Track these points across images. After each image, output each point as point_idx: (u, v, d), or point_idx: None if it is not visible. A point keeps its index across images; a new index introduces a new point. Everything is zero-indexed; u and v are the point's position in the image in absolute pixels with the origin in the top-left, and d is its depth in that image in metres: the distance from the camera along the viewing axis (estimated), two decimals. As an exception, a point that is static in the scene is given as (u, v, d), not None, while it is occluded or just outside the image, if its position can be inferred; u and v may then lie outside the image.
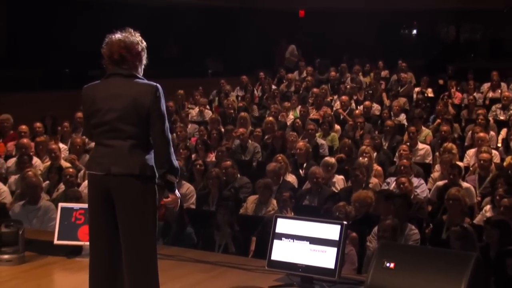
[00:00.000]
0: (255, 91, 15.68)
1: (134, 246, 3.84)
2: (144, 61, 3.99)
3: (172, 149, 3.91)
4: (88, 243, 5.15)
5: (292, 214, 6.73)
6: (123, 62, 3.87)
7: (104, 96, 3.86)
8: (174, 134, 10.59)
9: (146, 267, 3.87)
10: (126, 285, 3.88)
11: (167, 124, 3.88)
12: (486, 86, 14.22)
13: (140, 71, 3.97)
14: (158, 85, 3.87)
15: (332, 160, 8.45)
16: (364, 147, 8.92)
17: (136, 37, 3.93)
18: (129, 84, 3.85)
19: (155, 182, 3.92)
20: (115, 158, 3.82)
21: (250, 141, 10.29)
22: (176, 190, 4.09)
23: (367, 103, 12.74)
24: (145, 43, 3.98)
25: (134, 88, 3.83)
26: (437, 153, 9.45)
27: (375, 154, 9.27)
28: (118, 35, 3.90)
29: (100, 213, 3.92)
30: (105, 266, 3.94)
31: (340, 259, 4.35)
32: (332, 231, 4.40)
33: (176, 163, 3.95)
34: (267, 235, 4.74)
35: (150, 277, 3.88)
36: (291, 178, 8.46)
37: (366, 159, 8.31)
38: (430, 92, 14.67)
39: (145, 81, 3.91)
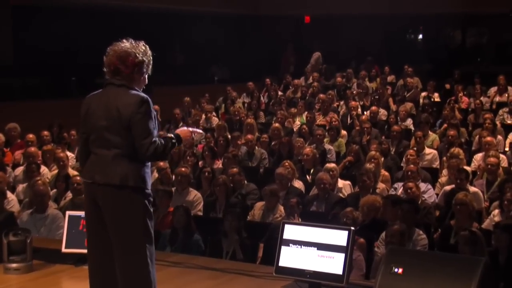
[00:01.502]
0: (261, 98, 15.69)
1: (121, 258, 3.85)
2: (147, 72, 3.98)
3: (159, 153, 3.84)
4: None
5: (300, 220, 6.72)
6: (117, 74, 3.89)
7: (96, 105, 3.91)
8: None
9: (134, 282, 3.84)
10: None
11: (150, 132, 3.80)
12: (493, 90, 14.19)
13: (139, 81, 3.94)
14: (145, 96, 3.85)
15: (332, 165, 8.45)
16: (373, 152, 8.90)
17: (136, 49, 3.90)
18: (118, 94, 3.86)
19: (142, 193, 3.86)
20: (99, 167, 3.86)
21: (257, 147, 10.29)
22: (183, 133, 4.08)
23: (373, 108, 12.73)
24: (149, 54, 3.96)
25: (121, 99, 3.83)
26: (444, 158, 9.42)
27: (382, 159, 9.26)
28: (121, 45, 3.90)
29: (94, 220, 3.94)
30: (103, 273, 3.95)
31: (348, 265, 4.34)
32: (339, 237, 4.39)
33: (167, 149, 3.90)
34: (275, 242, 4.73)
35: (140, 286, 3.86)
36: (298, 184, 8.46)
37: (373, 164, 8.29)
38: (436, 97, 14.64)
39: (135, 92, 3.89)
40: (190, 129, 4.21)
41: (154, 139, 3.82)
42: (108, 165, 3.83)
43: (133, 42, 3.94)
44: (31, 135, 10.33)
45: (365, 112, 13.08)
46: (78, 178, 7.96)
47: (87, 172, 3.94)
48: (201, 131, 4.26)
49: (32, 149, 9.47)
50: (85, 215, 4.05)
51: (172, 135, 4.02)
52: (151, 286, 3.88)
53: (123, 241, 3.84)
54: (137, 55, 3.90)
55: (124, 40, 3.93)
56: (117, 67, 3.87)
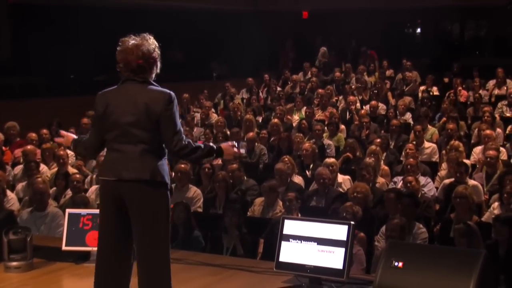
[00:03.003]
0: (260, 93, 15.69)
1: (147, 252, 3.83)
2: (159, 65, 4.00)
3: (190, 149, 3.87)
4: (96, 248, 5.21)
5: (299, 215, 6.72)
6: (140, 71, 3.88)
7: (118, 101, 3.86)
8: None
9: (159, 274, 3.85)
10: None
11: (179, 129, 3.85)
12: (491, 83, 14.20)
13: (154, 75, 3.98)
14: (171, 92, 3.87)
15: (332, 160, 8.46)
16: (373, 147, 8.90)
17: (152, 43, 3.92)
18: (143, 90, 3.85)
19: (167, 188, 3.90)
20: (126, 163, 3.81)
21: (256, 143, 10.29)
22: (225, 148, 4.09)
23: (373, 102, 12.74)
24: (158, 46, 3.97)
25: (147, 94, 3.83)
26: (443, 151, 9.43)
27: (384, 154, 9.28)
28: (133, 41, 3.87)
29: (111, 219, 3.90)
30: (111, 273, 3.93)
31: (348, 259, 4.34)
32: (339, 231, 4.40)
33: (202, 153, 3.94)
34: (275, 237, 4.73)
35: (163, 284, 3.87)
36: (297, 179, 8.46)
37: (373, 159, 8.30)
38: (435, 91, 14.65)
39: (159, 88, 3.91)
40: (235, 148, 4.18)
41: (183, 136, 3.87)
42: (137, 161, 3.80)
43: (145, 36, 3.91)
44: (33, 134, 10.34)
45: (364, 107, 13.08)
46: (78, 176, 7.98)
47: (109, 170, 3.87)
48: (243, 151, 4.27)
49: (30, 147, 9.46)
50: (100, 214, 3.99)
51: (215, 146, 4.06)
52: (170, 284, 3.90)
53: (151, 236, 3.81)
54: (155, 49, 3.92)
55: (132, 36, 3.90)
56: (140, 65, 3.85)
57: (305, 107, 12.82)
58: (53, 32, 14.91)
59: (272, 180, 7.70)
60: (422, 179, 8.04)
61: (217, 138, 10.35)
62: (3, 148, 10.28)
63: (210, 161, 8.44)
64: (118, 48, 3.91)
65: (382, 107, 12.97)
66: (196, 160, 4.02)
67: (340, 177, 8.38)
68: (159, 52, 3.95)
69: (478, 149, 9.34)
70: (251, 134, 10.41)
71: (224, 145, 4.13)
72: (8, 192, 7.84)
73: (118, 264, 3.92)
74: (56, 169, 8.93)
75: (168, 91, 3.88)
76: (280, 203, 7.30)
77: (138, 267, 3.87)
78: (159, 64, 3.98)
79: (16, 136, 10.78)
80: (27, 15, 15.19)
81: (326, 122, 11.47)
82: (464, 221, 5.94)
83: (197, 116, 13.38)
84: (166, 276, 3.88)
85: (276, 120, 11.38)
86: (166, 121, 3.81)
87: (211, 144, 4.13)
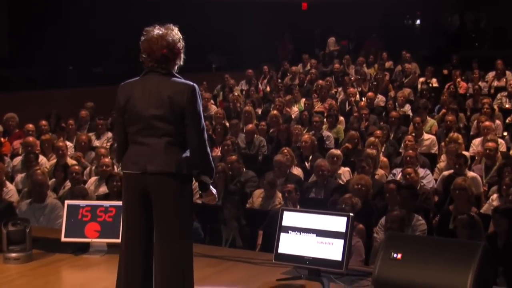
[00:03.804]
0: (260, 85, 15.67)
1: (170, 246, 3.77)
2: (182, 57, 3.95)
3: (207, 149, 3.84)
4: (95, 240, 5.23)
5: (298, 207, 6.72)
6: (164, 62, 3.83)
7: (141, 93, 3.81)
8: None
9: (182, 268, 3.78)
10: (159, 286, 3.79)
11: (202, 123, 3.81)
12: (491, 75, 14.18)
13: (176, 67, 3.93)
14: (195, 84, 3.83)
15: (337, 151, 8.45)
16: (372, 138, 8.90)
17: (176, 33, 3.87)
18: (166, 82, 3.80)
19: (191, 181, 3.86)
20: (151, 156, 3.76)
21: (255, 135, 10.28)
22: (211, 188, 4.04)
23: (370, 94, 12.72)
24: (182, 38, 3.93)
25: (171, 87, 3.78)
26: (442, 143, 9.43)
27: (384, 147, 9.28)
28: (158, 31, 3.83)
29: (136, 213, 3.84)
30: (138, 267, 3.86)
31: (347, 251, 4.34)
32: (338, 223, 4.40)
33: (211, 164, 3.89)
34: (274, 229, 4.73)
35: (185, 280, 3.80)
36: (297, 171, 8.46)
37: (374, 150, 8.30)
38: (434, 82, 14.64)
39: (182, 80, 3.87)
40: (216, 196, 4.16)
41: (206, 136, 3.83)
42: (162, 154, 3.75)
43: (170, 27, 3.88)
44: (30, 125, 10.34)
45: (363, 98, 13.07)
46: (77, 167, 7.97)
47: (133, 163, 3.81)
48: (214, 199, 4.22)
49: (30, 138, 9.46)
50: (124, 208, 3.91)
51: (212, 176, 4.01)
52: (192, 279, 3.85)
53: (174, 229, 3.76)
54: (180, 40, 3.89)
55: (157, 26, 3.86)
56: (164, 54, 3.81)
57: (304, 99, 12.80)
58: (51, 23, 14.87)
59: (271, 174, 7.69)
60: (421, 171, 8.04)
61: (216, 129, 10.34)
62: (2, 139, 10.27)
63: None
64: (142, 38, 3.86)
65: (381, 98, 12.96)
66: (201, 162, 3.90)
67: (340, 169, 8.38)
68: (183, 43, 3.91)
69: (477, 141, 9.34)
70: (250, 125, 10.40)
71: (212, 188, 4.06)
72: (7, 184, 7.84)
73: (143, 257, 3.85)
74: (55, 160, 8.92)
75: (192, 83, 3.83)
76: (279, 195, 7.30)
77: (157, 261, 3.79)
78: (182, 56, 3.93)
79: (15, 128, 10.78)
80: (25, 6, 15.14)
81: (325, 114, 11.46)
82: (467, 212, 5.94)
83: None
84: (188, 271, 3.81)
85: (275, 111, 11.36)
86: (190, 115, 3.77)
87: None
